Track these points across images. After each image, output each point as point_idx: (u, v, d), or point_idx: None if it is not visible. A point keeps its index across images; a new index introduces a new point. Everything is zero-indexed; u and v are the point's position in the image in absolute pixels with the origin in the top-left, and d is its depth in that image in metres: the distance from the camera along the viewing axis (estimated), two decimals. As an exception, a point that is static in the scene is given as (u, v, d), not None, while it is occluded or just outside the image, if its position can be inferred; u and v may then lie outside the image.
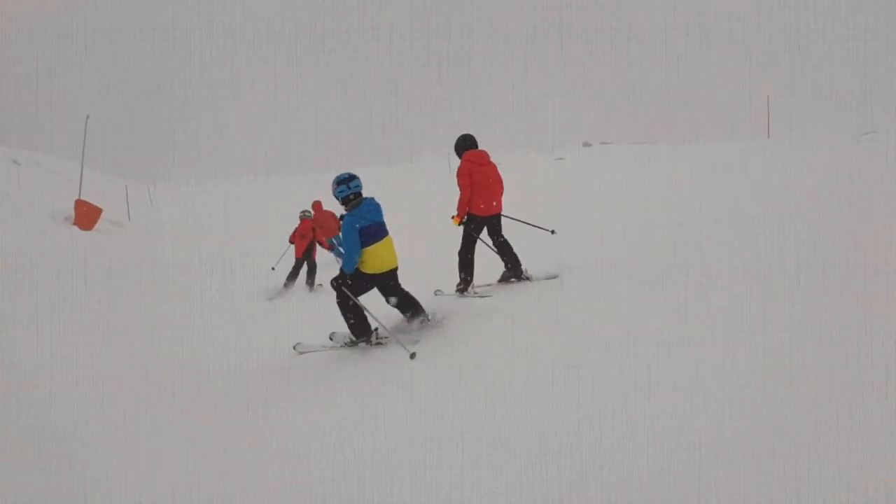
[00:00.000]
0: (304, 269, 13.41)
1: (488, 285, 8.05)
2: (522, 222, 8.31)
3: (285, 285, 12.95)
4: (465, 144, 7.67)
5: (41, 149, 31.90)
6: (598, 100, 75.07)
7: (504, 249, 7.87)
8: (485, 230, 7.81)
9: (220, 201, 29.46)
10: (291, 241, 13.67)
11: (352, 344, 6.71)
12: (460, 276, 7.78)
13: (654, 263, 10.21)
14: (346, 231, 6.09)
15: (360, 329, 6.62)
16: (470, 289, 7.81)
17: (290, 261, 13.57)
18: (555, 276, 7.75)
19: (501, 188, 7.77)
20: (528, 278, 7.87)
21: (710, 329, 8.29)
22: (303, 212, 13.98)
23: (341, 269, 6.33)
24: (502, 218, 7.86)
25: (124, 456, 4.48)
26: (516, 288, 11.83)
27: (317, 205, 15.30)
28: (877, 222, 10.49)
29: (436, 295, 8.04)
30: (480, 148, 7.71)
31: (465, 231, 7.63)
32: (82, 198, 19.13)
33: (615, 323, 8.79)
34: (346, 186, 6.28)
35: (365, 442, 5.00)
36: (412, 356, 6.21)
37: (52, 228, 16.53)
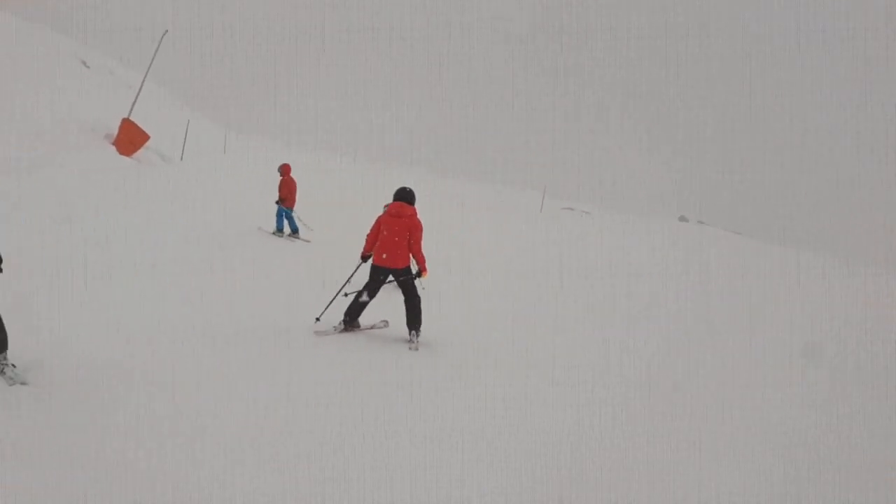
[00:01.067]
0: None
1: (375, 326, 7.95)
2: None
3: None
4: (395, 195, 7.81)
5: (127, 60, 27.99)
6: (699, 169, 65.33)
7: (407, 304, 7.62)
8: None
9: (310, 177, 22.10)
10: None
11: None
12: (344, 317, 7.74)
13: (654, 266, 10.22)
14: None
15: None
16: (337, 326, 7.62)
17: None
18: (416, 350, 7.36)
19: (403, 245, 7.57)
20: (411, 340, 7.51)
21: (709, 329, 8.32)
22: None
23: None
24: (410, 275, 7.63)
25: (125, 456, 4.48)
26: (514, 292, 11.83)
27: (286, 168, 14.96)
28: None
29: (316, 321, 7.85)
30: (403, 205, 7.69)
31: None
32: (132, 118, 16.32)
33: (614, 323, 8.84)
34: None
35: (365, 442, 5.00)
36: None
37: (84, 143, 13.94)
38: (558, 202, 30.92)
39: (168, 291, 8.43)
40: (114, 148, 15.19)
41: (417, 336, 7.55)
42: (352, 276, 8.18)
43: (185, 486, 4.19)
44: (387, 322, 7.91)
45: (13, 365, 5.20)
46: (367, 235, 7.82)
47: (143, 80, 17.23)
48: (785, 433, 5.32)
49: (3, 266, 5.16)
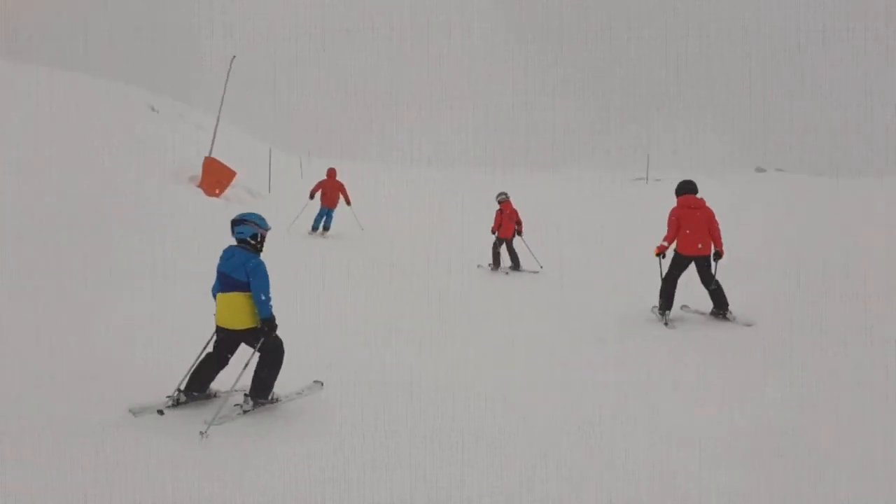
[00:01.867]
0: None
1: (701, 313, 8.86)
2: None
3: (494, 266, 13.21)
4: (681, 189, 8.64)
5: (195, 103, 27.92)
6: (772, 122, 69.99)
7: (714, 291, 8.53)
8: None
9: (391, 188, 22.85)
10: (495, 230, 13.51)
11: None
12: (659, 301, 8.73)
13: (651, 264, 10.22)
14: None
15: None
16: (665, 315, 8.60)
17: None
18: (751, 324, 8.23)
19: (706, 233, 8.40)
20: (730, 319, 8.44)
21: (710, 328, 8.31)
22: (500, 194, 13.77)
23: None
24: (713, 259, 8.50)
25: (124, 456, 4.48)
26: (525, 286, 11.83)
27: (329, 171, 15.90)
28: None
29: (682, 309, 8.98)
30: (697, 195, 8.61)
31: (671, 263, 8.64)
32: (214, 156, 15.46)
33: (615, 323, 8.83)
34: (234, 228, 5.69)
35: (365, 442, 5.00)
36: (201, 434, 5.00)
37: (166, 188, 13.26)
38: (629, 175, 32.51)
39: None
40: (200, 190, 14.49)
41: (730, 312, 8.46)
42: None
43: (184, 486, 4.19)
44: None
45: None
46: (666, 236, 8.53)
47: (220, 113, 16.55)
48: (784, 433, 5.32)
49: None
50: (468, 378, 6.61)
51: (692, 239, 8.34)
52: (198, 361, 5.63)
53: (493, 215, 13.56)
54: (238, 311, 5.48)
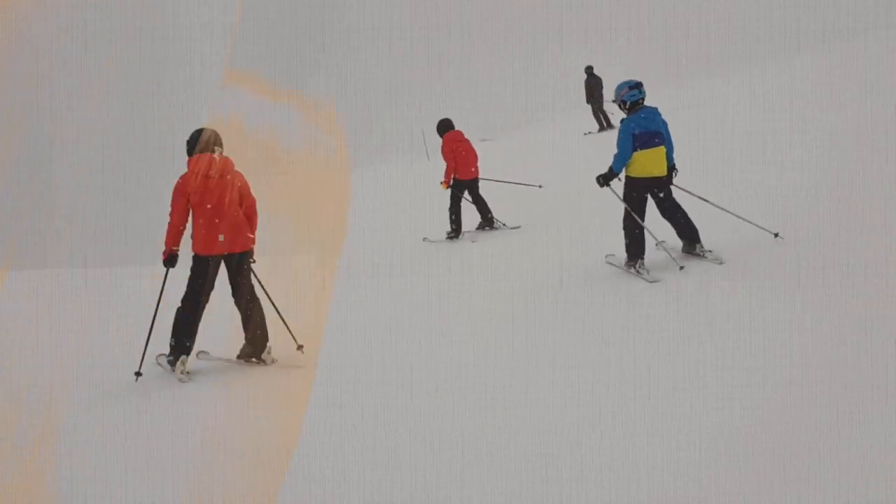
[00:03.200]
0: None
1: (469, 231, 10.81)
2: (507, 182, 11.31)
3: None
4: (446, 127, 10.43)
5: None
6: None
7: (480, 205, 10.67)
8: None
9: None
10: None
11: (629, 266, 7.53)
12: (451, 226, 10.55)
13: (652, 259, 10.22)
14: (621, 133, 6.96)
15: (633, 251, 7.36)
16: (461, 237, 10.51)
17: None
18: (517, 227, 10.37)
19: (476, 158, 10.45)
20: (497, 227, 10.56)
21: (709, 328, 8.30)
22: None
23: (610, 167, 7.19)
24: (480, 181, 10.71)
25: (124, 456, 4.48)
26: (512, 274, 11.81)
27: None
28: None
29: (423, 241, 10.69)
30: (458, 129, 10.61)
31: (451, 193, 10.43)
32: None
33: (615, 322, 8.82)
34: (638, 91, 6.92)
35: (365, 442, 5.00)
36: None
37: None
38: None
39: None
40: None
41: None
42: None
43: (184, 486, 4.19)
44: None
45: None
46: (447, 168, 10.71)
47: None
48: (785, 433, 5.32)
49: None
50: (468, 378, 6.61)
51: (468, 165, 10.29)
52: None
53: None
54: (664, 161, 6.92)
